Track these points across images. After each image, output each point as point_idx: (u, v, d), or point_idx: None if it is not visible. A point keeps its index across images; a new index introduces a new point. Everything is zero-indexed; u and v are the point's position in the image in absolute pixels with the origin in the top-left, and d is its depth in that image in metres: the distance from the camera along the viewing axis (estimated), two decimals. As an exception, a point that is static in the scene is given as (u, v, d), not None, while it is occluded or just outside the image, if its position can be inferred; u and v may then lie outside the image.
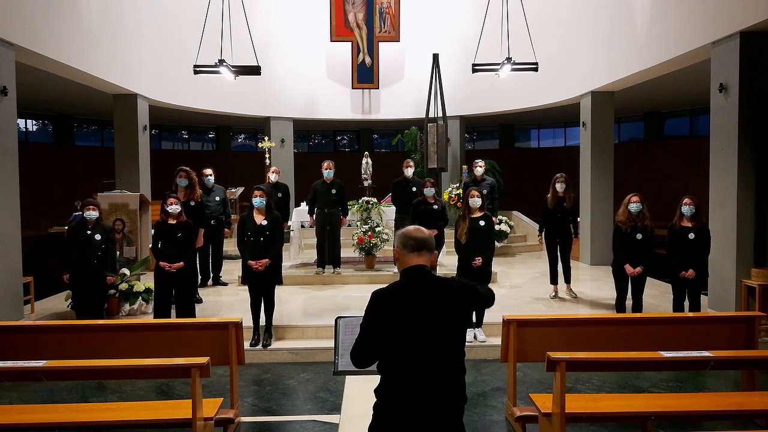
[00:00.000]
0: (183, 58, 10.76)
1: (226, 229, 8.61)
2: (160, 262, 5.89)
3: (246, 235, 6.01)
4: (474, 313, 6.18)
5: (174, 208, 5.96)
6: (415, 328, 2.41)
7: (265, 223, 6.01)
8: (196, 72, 9.91)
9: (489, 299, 2.75)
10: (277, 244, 6.12)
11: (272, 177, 8.95)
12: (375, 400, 2.48)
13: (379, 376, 2.49)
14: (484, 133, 21.74)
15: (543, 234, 7.84)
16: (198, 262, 7.97)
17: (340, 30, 13.83)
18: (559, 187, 7.55)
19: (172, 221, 5.98)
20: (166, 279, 5.91)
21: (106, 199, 8.71)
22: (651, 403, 4.12)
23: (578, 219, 7.91)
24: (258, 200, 6.01)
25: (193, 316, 6.09)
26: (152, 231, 9.42)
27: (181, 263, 5.89)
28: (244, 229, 6.04)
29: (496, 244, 10.41)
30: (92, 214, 6.02)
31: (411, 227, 2.62)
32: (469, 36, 12.24)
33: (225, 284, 8.63)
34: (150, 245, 9.16)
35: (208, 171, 8.36)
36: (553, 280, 7.82)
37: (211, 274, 8.60)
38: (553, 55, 11.15)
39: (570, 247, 7.82)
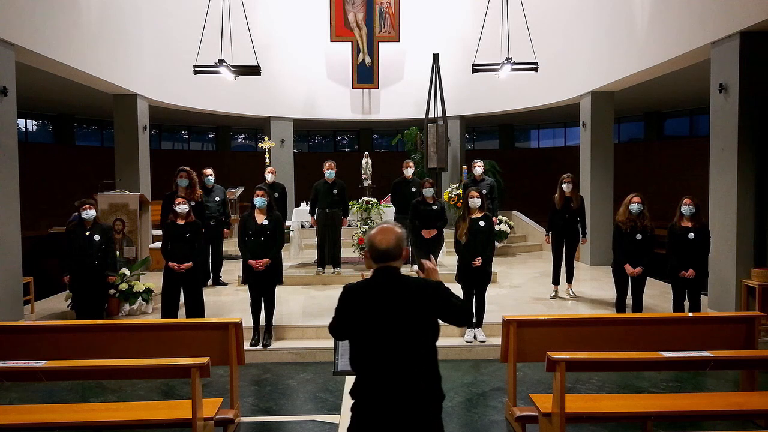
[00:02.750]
0: (183, 58, 10.76)
1: (225, 230, 8.61)
2: (169, 263, 5.90)
3: (247, 235, 6.02)
4: (474, 315, 6.20)
5: (182, 207, 5.97)
6: (383, 325, 2.44)
7: (265, 222, 6.02)
8: (196, 72, 9.92)
9: (461, 314, 2.58)
10: (278, 244, 6.13)
11: (269, 177, 8.96)
12: (352, 401, 2.50)
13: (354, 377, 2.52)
14: (484, 133, 21.74)
15: (550, 234, 7.84)
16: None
17: (340, 30, 13.83)
18: (566, 187, 7.55)
19: (180, 222, 5.99)
20: (175, 279, 5.92)
21: (106, 199, 8.71)
22: (651, 403, 4.11)
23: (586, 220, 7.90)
24: (259, 200, 6.02)
25: (203, 314, 6.12)
26: (154, 232, 9.51)
27: (190, 263, 5.90)
28: (245, 228, 6.05)
29: (496, 244, 10.41)
30: (89, 213, 6.01)
31: (376, 231, 2.59)
32: (469, 36, 12.24)
33: (225, 284, 8.63)
34: (150, 245, 9.20)
35: (209, 171, 8.36)
36: (555, 280, 7.82)
37: (211, 274, 8.60)
38: (553, 55, 11.15)
39: (576, 248, 7.83)
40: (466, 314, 2.63)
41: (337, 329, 2.62)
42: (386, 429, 2.40)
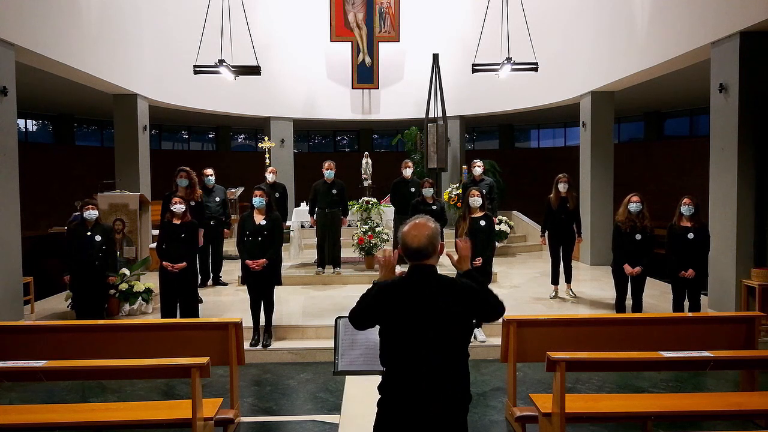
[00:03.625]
0: (183, 58, 10.76)
1: (225, 230, 8.61)
2: (164, 263, 5.90)
3: (245, 235, 6.01)
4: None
5: (179, 207, 5.95)
6: (417, 324, 2.39)
7: (263, 223, 6.01)
8: (196, 72, 9.92)
9: (497, 309, 2.60)
10: (276, 244, 6.11)
11: (269, 177, 8.96)
12: (379, 396, 2.48)
13: (380, 376, 2.49)
14: (484, 133, 21.74)
15: (546, 234, 7.84)
16: (198, 262, 7.99)
17: (340, 30, 13.83)
18: (562, 187, 7.55)
19: (176, 221, 5.98)
20: (170, 279, 5.92)
21: (106, 199, 8.71)
22: (651, 403, 4.12)
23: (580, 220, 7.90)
24: (258, 200, 6.01)
25: (197, 315, 6.10)
26: (154, 232, 9.51)
27: (184, 263, 5.90)
28: (243, 228, 6.05)
29: (496, 244, 10.40)
30: (92, 213, 6.02)
31: (408, 228, 2.51)
32: (469, 36, 12.24)
33: (225, 284, 8.63)
34: (150, 245, 9.19)
35: (209, 171, 8.36)
36: (554, 281, 7.82)
37: (211, 275, 8.60)
38: (553, 55, 11.15)
39: (573, 248, 7.83)
40: (501, 307, 2.61)
41: (358, 319, 2.56)
42: (412, 427, 2.38)
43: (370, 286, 2.56)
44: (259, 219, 6.03)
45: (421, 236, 2.47)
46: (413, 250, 2.47)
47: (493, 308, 2.58)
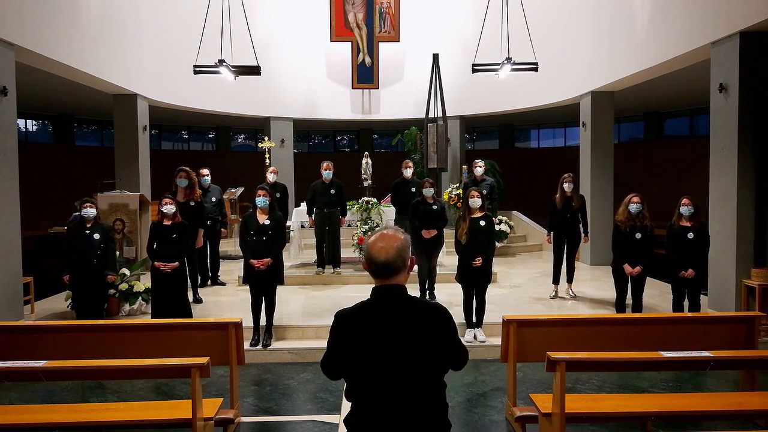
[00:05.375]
0: (183, 58, 10.75)
1: (223, 230, 8.61)
2: (155, 263, 5.89)
3: (248, 235, 6.02)
4: (474, 315, 6.19)
5: (169, 208, 5.95)
6: (382, 354, 2.13)
7: (267, 222, 6.02)
8: (196, 72, 9.91)
9: (462, 356, 2.30)
10: (279, 244, 6.12)
11: (270, 177, 8.96)
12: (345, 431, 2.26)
13: (350, 405, 2.27)
14: (484, 133, 21.74)
15: (551, 234, 7.83)
16: (198, 262, 7.99)
17: (340, 30, 13.82)
18: (567, 187, 7.55)
19: (167, 222, 5.97)
20: (162, 279, 5.91)
21: (106, 199, 8.72)
22: (651, 403, 4.11)
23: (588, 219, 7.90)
24: (261, 200, 6.01)
25: (189, 316, 6.09)
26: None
27: (176, 264, 5.89)
28: (246, 228, 6.05)
29: (496, 244, 10.40)
30: (90, 211, 6.02)
31: (374, 239, 2.23)
32: (469, 36, 12.23)
33: (223, 284, 8.62)
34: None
35: (205, 171, 8.37)
36: (556, 280, 7.81)
37: (209, 274, 8.59)
38: (553, 55, 11.15)
39: (577, 248, 7.83)
40: (466, 359, 2.33)
41: (330, 366, 2.28)
42: None
43: (333, 319, 2.31)
44: (263, 219, 6.04)
45: (389, 248, 2.17)
46: (380, 265, 2.18)
47: (459, 353, 2.29)
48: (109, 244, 6.15)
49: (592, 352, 4.17)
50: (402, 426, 2.14)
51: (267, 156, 12.70)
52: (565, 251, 7.76)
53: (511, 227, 12.06)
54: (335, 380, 2.33)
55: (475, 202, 6.12)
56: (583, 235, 7.75)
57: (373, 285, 2.29)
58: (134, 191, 9.64)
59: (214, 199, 8.34)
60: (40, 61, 7.77)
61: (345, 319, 2.23)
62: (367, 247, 2.25)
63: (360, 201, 9.30)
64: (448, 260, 8.64)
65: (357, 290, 8.05)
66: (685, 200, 5.88)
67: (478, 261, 6.00)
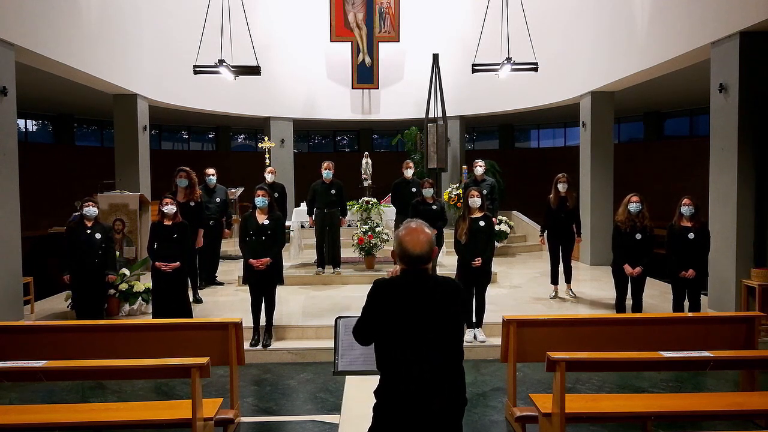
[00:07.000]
0: (183, 58, 10.76)
1: (226, 230, 8.59)
2: (156, 263, 5.90)
3: (248, 235, 6.02)
4: (474, 315, 6.19)
5: (169, 208, 5.95)
6: (413, 325, 2.39)
7: (266, 222, 6.02)
8: (195, 72, 9.92)
9: (468, 313, 2.70)
10: (279, 244, 6.13)
11: (268, 177, 8.95)
12: (375, 401, 2.47)
13: (379, 377, 2.48)
14: (484, 133, 21.74)
15: (545, 234, 7.84)
16: (198, 262, 7.98)
17: (340, 30, 13.82)
18: (562, 187, 7.55)
19: (167, 222, 5.97)
20: (163, 279, 5.91)
21: (106, 199, 8.72)
22: (651, 403, 4.12)
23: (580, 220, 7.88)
24: (260, 200, 6.02)
25: (189, 316, 6.09)
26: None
27: (178, 263, 5.90)
28: (245, 228, 6.06)
29: (496, 244, 10.41)
30: (91, 210, 6.02)
31: (406, 233, 2.47)
32: (469, 36, 12.23)
33: (221, 284, 8.61)
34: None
35: (211, 171, 8.33)
36: (554, 281, 7.82)
37: (205, 275, 8.56)
38: (553, 55, 11.15)
39: (572, 248, 7.83)
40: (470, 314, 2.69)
41: (362, 331, 2.53)
42: (409, 430, 2.37)
43: (371, 286, 2.54)
44: (262, 219, 6.04)
45: (423, 243, 2.44)
46: (415, 257, 2.43)
47: (467, 313, 2.69)
48: (109, 244, 6.15)
49: (592, 352, 4.17)
50: (433, 394, 2.37)
51: (267, 156, 12.70)
52: (561, 251, 7.77)
53: (511, 227, 12.06)
54: (365, 345, 2.58)
55: (475, 201, 6.12)
56: (576, 235, 7.75)
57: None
58: (134, 191, 9.64)
59: (218, 200, 8.30)
60: (40, 61, 7.77)
61: (382, 290, 2.47)
62: (399, 240, 2.48)
63: (360, 201, 9.30)
64: (447, 260, 8.64)
65: (357, 290, 8.05)
66: (685, 200, 5.88)
67: (478, 261, 6.00)
